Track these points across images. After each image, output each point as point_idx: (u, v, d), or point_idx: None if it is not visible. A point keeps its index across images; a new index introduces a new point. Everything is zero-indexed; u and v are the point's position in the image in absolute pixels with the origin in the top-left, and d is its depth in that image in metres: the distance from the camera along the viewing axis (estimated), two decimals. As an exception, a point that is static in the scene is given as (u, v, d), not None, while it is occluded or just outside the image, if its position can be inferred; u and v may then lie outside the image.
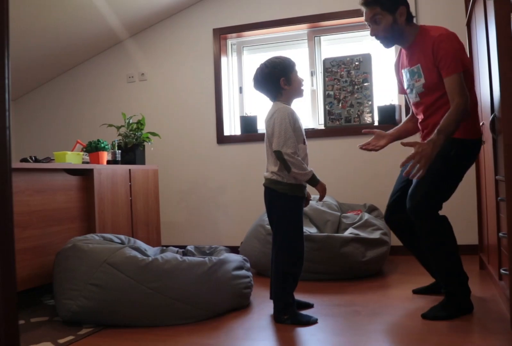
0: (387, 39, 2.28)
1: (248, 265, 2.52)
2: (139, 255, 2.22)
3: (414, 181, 2.19)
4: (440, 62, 2.14)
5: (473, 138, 2.26)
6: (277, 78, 2.16)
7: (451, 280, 2.17)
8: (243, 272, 2.42)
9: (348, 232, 3.12)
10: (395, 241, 3.68)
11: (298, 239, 2.19)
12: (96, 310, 2.11)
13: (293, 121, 2.14)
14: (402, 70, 2.39)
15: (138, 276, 2.12)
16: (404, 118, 3.75)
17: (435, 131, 2.06)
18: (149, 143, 3.64)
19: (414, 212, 2.16)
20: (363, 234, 3.06)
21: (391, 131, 2.49)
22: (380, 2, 2.21)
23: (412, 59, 2.29)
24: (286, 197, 2.16)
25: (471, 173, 3.13)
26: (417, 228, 2.20)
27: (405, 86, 2.39)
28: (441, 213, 2.19)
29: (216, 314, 2.25)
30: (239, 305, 2.37)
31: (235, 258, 2.43)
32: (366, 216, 3.31)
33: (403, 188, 2.37)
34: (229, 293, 2.30)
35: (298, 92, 2.24)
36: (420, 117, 2.36)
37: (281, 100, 2.20)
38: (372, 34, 2.29)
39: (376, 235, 3.07)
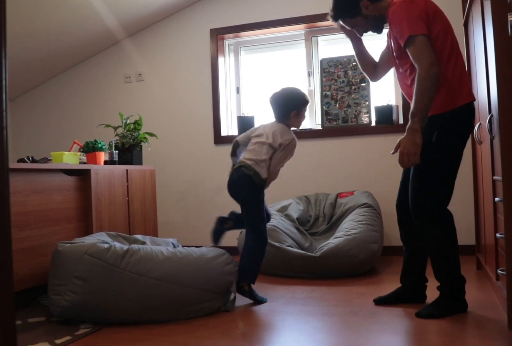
0: (373, 29, 2.28)
1: (229, 257, 2.45)
2: (118, 245, 2.24)
3: (411, 176, 2.16)
4: (396, 34, 2.09)
5: (455, 108, 2.08)
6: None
7: (448, 281, 2.15)
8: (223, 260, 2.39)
9: (340, 232, 3.13)
10: (391, 241, 3.69)
11: None
12: (84, 302, 2.12)
13: None
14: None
15: (118, 261, 2.15)
16: (401, 119, 3.77)
17: (409, 116, 2.00)
18: (146, 144, 3.64)
19: (412, 209, 2.16)
20: (354, 231, 3.06)
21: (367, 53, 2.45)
22: (341, 16, 2.26)
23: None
24: None
25: (468, 173, 3.14)
26: (417, 225, 2.17)
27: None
28: None
29: (204, 297, 2.24)
30: (228, 282, 2.35)
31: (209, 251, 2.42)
32: (359, 210, 3.33)
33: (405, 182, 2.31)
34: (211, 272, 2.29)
35: None
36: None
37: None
38: (360, 35, 2.34)
39: (368, 232, 3.08)
